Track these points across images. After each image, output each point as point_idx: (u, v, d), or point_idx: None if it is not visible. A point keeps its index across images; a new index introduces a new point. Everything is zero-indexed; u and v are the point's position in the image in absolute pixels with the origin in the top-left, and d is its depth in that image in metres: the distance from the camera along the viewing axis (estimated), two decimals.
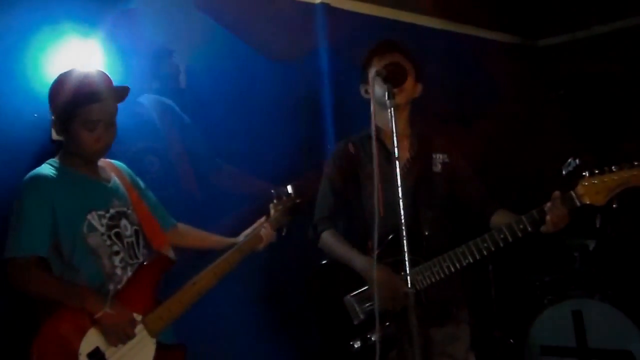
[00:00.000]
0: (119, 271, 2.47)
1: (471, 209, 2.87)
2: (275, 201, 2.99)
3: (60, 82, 2.47)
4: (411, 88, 2.80)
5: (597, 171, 2.41)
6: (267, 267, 3.58)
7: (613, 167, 2.39)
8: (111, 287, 2.44)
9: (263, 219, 2.93)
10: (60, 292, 2.33)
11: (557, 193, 2.46)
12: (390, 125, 2.18)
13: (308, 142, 3.93)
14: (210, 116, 3.53)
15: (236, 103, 3.64)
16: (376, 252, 2.21)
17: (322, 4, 4.05)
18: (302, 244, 3.31)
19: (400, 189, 2.14)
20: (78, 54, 2.94)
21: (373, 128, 2.14)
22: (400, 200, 2.13)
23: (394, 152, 2.18)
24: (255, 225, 2.92)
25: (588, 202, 2.42)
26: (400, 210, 2.12)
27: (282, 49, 3.87)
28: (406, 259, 2.11)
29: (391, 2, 4.47)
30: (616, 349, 3.64)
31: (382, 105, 2.74)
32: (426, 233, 2.70)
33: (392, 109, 2.18)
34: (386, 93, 2.22)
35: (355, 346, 2.62)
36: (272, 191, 3.01)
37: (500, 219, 2.73)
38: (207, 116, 3.51)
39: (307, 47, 4.01)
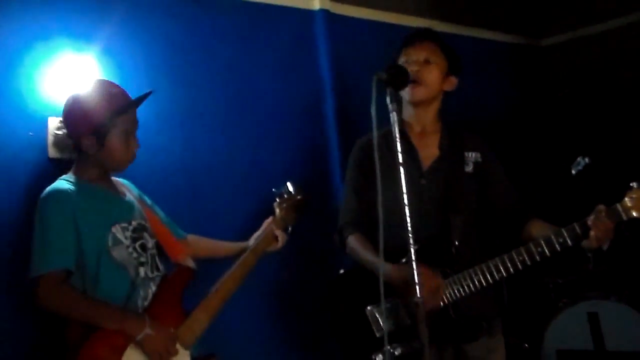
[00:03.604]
0: (143, 283, 2.44)
1: (502, 216, 2.69)
2: (278, 200, 2.97)
3: (91, 96, 2.42)
4: (436, 81, 2.67)
5: None
6: (282, 275, 3.53)
7: None
8: (138, 300, 2.40)
9: (270, 219, 2.91)
10: (95, 312, 2.27)
11: (601, 206, 2.29)
12: (393, 128, 2.06)
13: (311, 149, 3.87)
14: (212, 125, 3.48)
15: (237, 112, 3.60)
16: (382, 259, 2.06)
17: (321, 10, 3.99)
18: (318, 250, 3.27)
19: (405, 196, 2.01)
20: (73, 70, 2.90)
21: (375, 134, 2.04)
22: (407, 208, 2.00)
23: (398, 158, 2.04)
24: (264, 226, 2.90)
25: (636, 217, 2.25)
26: (406, 217, 1.99)
27: (282, 56, 3.84)
28: (414, 267, 1.98)
29: (391, 6, 4.41)
30: (635, 350, 3.54)
31: (406, 100, 2.67)
32: (456, 242, 2.51)
33: (394, 113, 2.07)
34: (387, 97, 2.09)
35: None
36: (273, 190, 2.98)
37: (535, 230, 2.55)
38: (208, 125, 3.47)
39: (308, 54, 3.96)
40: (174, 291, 2.48)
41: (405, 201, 2.02)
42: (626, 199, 2.27)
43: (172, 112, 3.30)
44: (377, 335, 2.51)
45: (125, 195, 2.58)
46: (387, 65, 2.45)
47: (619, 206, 2.28)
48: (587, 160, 4.03)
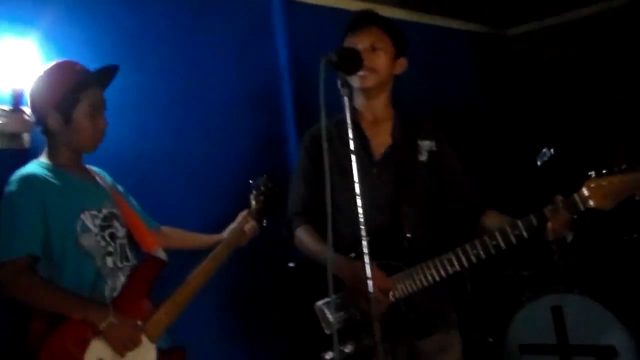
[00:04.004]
0: (111, 273, 2.40)
1: (457, 207, 2.60)
2: (254, 192, 2.92)
3: (51, 72, 2.42)
4: (385, 66, 2.54)
5: (604, 171, 2.16)
6: (234, 270, 3.36)
7: (623, 166, 2.14)
8: (106, 290, 2.37)
9: (245, 212, 2.87)
10: (58, 300, 2.24)
11: (559, 197, 2.21)
12: (345, 114, 1.98)
13: (267, 139, 3.77)
14: (163, 113, 3.35)
15: (190, 99, 3.48)
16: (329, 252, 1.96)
17: None
18: (274, 242, 3.15)
19: (357, 185, 1.93)
20: (11, 56, 2.75)
21: (323, 120, 1.93)
22: (358, 199, 1.92)
23: (350, 145, 1.96)
24: (238, 218, 2.86)
25: (594, 207, 2.16)
26: (358, 208, 1.92)
27: (238, 43, 3.72)
28: (366, 261, 1.91)
29: None
30: (598, 344, 3.51)
31: (357, 88, 2.56)
32: (408, 235, 2.42)
33: (346, 98, 1.98)
34: (338, 82, 2.00)
35: (327, 358, 2.37)
36: (251, 182, 2.92)
37: (491, 221, 2.47)
38: (158, 112, 3.34)
39: (265, 41, 3.84)
40: (143, 282, 2.44)
41: (357, 191, 1.94)
42: (583, 188, 2.19)
43: (121, 99, 3.04)
44: (327, 332, 2.41)
45: (97, 182, 2.55)
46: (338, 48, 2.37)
47: (576, 196, 2.19)
48: (552, 151, 4.00)
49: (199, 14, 3.58)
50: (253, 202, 2.89)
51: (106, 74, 2.49)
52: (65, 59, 2.52)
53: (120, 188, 2.70)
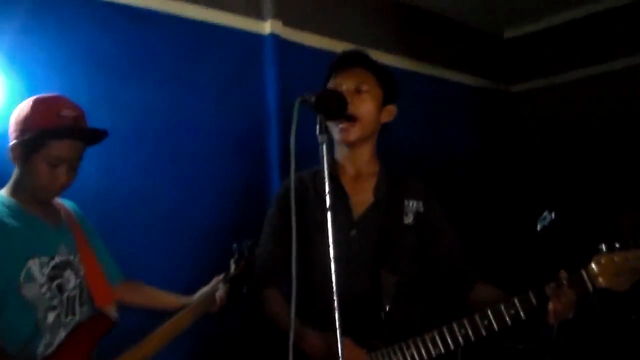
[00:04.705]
0: (50, 328, 2.17)
1: (445, 277, 2.33)
2: (236, 256, 2.61)
3: (38, 104, 2.18)
4: (371, 113, 2.28)
5: (617, 245, 1.89)
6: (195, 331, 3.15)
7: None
8: (40, 347, 2.13)
9: (221, 276, 2.58)
10: None
11: (563, 273, 1.93)
12: (322, 165, 1.76)
13: (250, 188, 3.54)
14: (136, 155, 3.13)
15: (167, 140, 3.26)
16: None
17: (272, 35, 3.70)
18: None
19: (332, 248, 1.69)
20: None
21: (292, 171, 1.69)
22: (332, 263, 1.68)
23: (326, 200, 1.73)
24: (212, 282, 2.57)
25: (604, 286, 1.89)
26: (332, 275, 1.68)
27: (224, 82, 3.52)
28: (338, 336, 1.67)
29: (350, 36, 4.13)
30: None
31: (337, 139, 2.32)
32: (387, 307, 2.15)
33: (323, 145, 1.75)
34: (317, 126, 1.76)
35: None
36: (234, 245, 2.63)
37: (483, 296, 2.20)
38: (132, 155, 3.11)
39: (254, 82, 3.64)
40: (84, 342, 2.17)
41: (332, 255, 1.70)
42: (592, 264, 1.91)
43: None
44: None
45: (59, 222, 2.31)
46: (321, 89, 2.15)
47: (584, 273, 1.91)
48: (553, 215, 3.80)
49: (184, 49, 3.38)
50: (232, 267, 2.60)
51: (92, 136, 2.26)
52: (62, 94, 2.29)
53: (90, 227, 2.47)
